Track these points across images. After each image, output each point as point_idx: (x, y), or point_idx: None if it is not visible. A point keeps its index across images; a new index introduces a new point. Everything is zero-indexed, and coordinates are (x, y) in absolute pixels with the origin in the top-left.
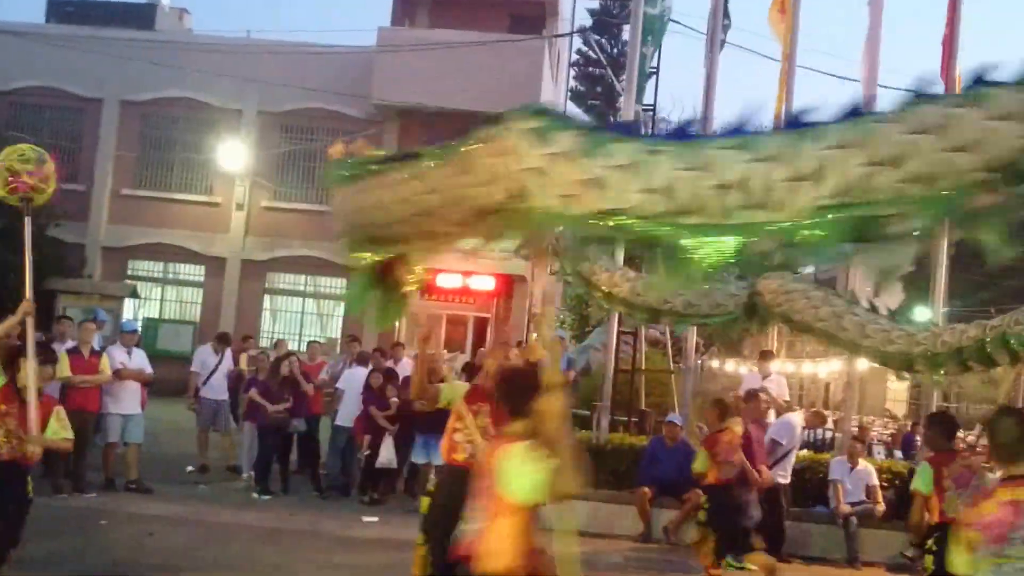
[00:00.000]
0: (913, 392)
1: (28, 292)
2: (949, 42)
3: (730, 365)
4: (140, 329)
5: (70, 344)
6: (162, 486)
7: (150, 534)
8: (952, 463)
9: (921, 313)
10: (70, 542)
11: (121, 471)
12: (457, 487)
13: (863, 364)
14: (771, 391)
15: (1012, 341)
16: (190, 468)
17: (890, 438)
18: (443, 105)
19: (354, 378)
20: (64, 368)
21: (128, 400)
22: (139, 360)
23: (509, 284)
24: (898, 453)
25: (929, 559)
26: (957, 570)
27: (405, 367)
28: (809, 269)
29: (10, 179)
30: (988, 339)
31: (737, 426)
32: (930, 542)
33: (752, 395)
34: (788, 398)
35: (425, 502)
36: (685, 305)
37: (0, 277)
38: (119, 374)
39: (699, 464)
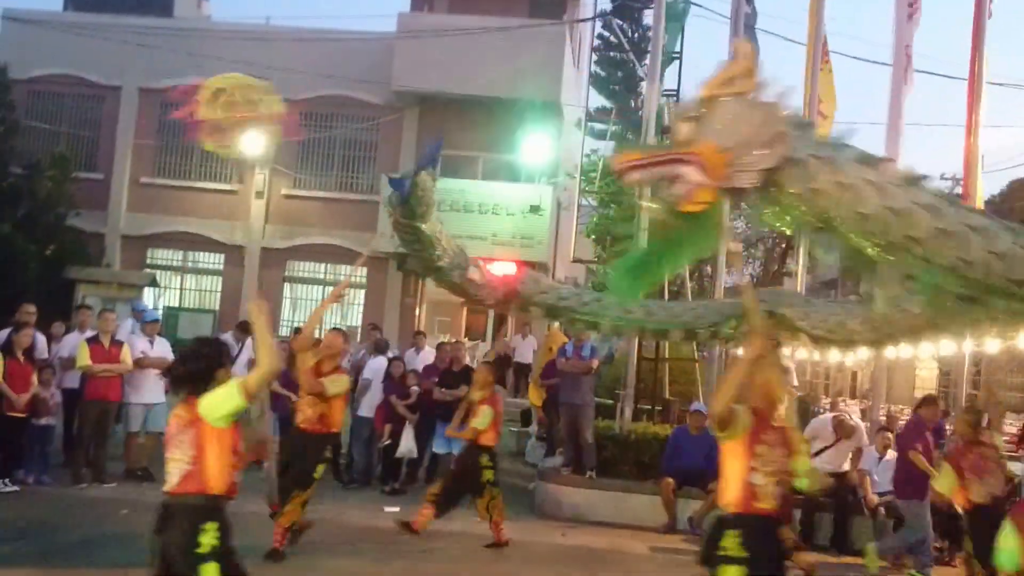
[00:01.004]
0: (942, 380)
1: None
2: (978, 26)
3: None
4: (160, 318)
5: (90, 333)
6: None
7: None
8: (969, 453)
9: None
10: (92, 532)
11: (137, 459)
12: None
13: (891, 352)
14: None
15: None
16: None
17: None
18: (463, 91)
19: (379, 368)
20: (84, 357)
21: (150, 389)
22: (161, 349)
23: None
24: None
25: (969, 542)
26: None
27: (427, 356)
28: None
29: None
30: None
31: None
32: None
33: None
34: (796, 383)
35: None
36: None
37: (21, 266)
38: (140, 363)
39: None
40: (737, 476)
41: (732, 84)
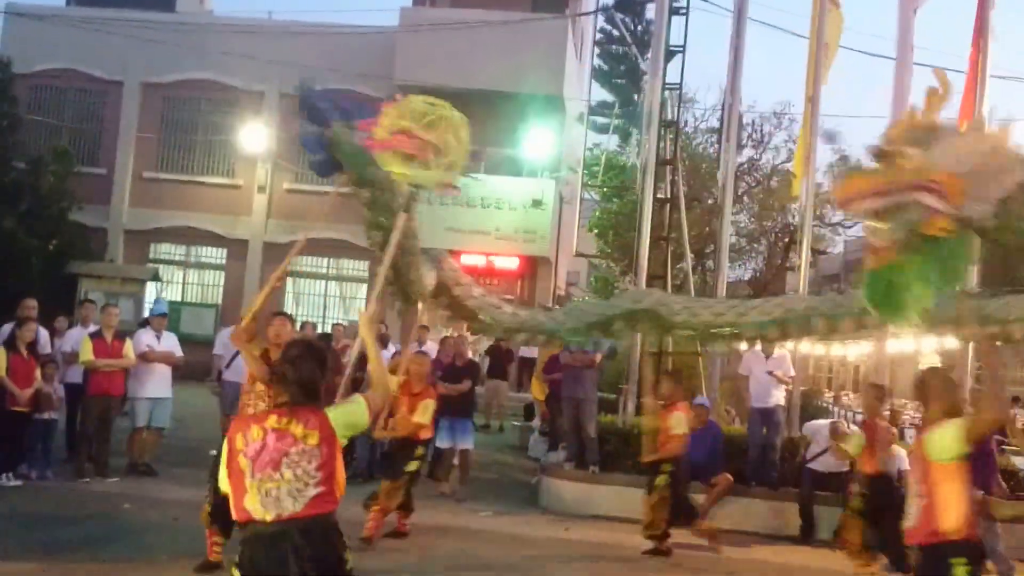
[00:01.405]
0: None
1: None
2: (981, 21)
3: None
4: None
5: (93, 328)
6: (185, 471)
7: (175, 519)
8: (877, 426)
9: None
10: (96, 527)
11: (140, 454)
12: None
13: (893, 346)
14: (776, 371)
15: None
16: (214, 452)
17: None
18: (465, 85)
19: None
20: (87, 352)
21: (155, 384)
22: (168, 344)
23: (533, 265)
24: None
25: (859, 501)
26: None
27: (430, 350)
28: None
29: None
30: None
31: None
32: (860, 489)
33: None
34: (792, 374)
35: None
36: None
37: (24, 261)
38: (145, 357)
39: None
40: (960, 498)
41: (940, 110)
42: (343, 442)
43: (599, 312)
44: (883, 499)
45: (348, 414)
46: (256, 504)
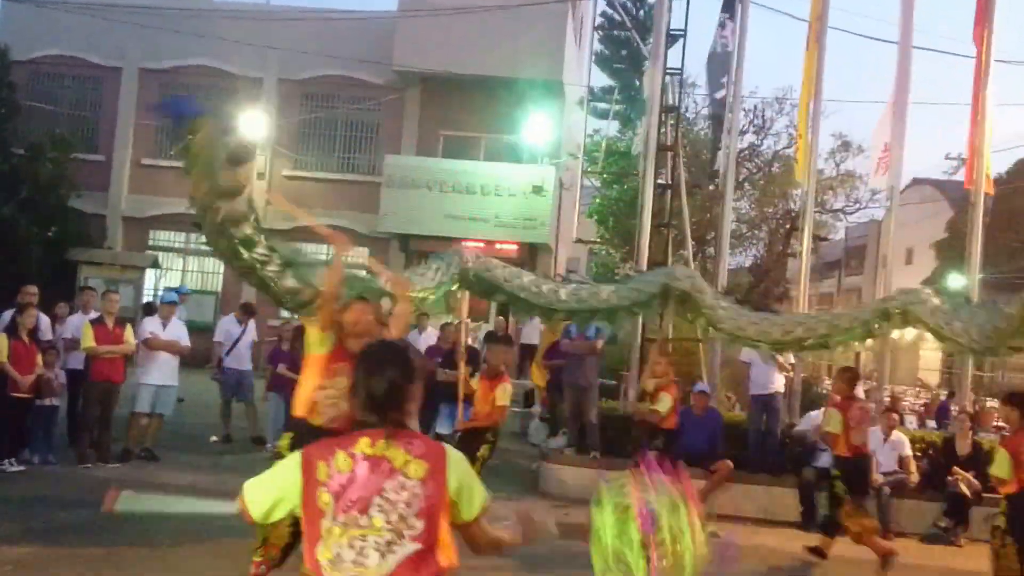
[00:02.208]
0: (946, 362)
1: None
2: (984, 4)
3: None
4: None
5: (94, 315)
6: (186, 456)
7: None
8: (851, 407)
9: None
10: (98, 512)
11: (139, 440)
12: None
13: (894, 334)
14: (777, 356)
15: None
16: (214, 438)
17: (923, 408)
18: (465, 71)
19: None
20: (88, 339)
21: (159, 371)
22: (175, 331)
23: (533, 252)
24: (931, 423)
25: (839, 484)
26: None
27: (430, 337)
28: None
29: None
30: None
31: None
32: (836, 471)
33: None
34: (793, 361)
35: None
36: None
37: (24, 248)
38: (148, 343)
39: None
40: None
41: None
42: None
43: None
44: (857, 476)
45: (471, 476)
46: (328, 556)
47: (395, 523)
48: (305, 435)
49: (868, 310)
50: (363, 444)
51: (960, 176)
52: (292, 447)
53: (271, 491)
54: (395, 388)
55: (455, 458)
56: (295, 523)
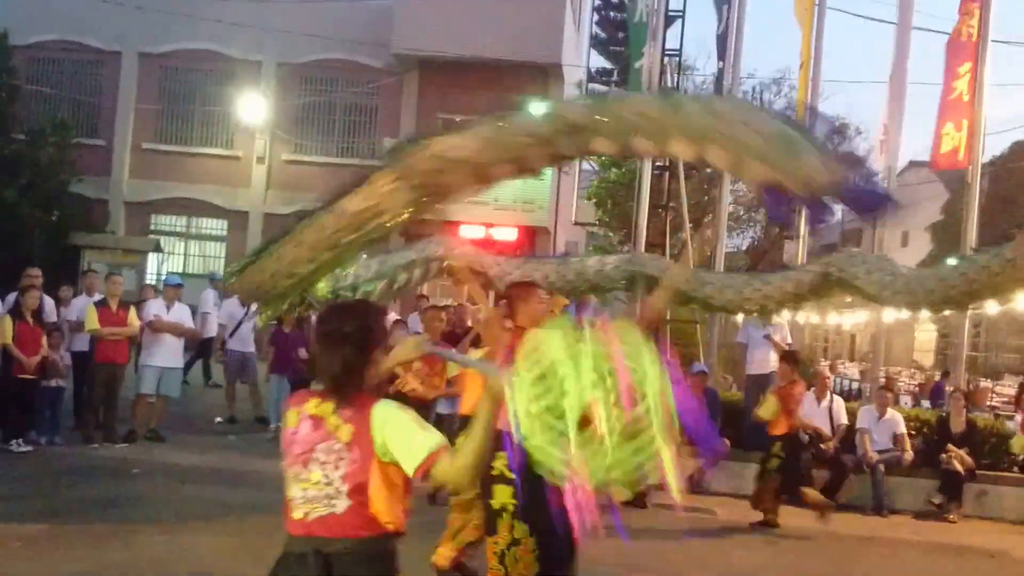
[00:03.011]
0: (941, 343)
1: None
2: None
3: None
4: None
5: (98, 297)
6: (191, 437)
7: (183, 483)
8: (792, 390)
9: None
10: (105, 491)
11: (144, 421)
12: None
13: (889, 316)
14: (774, 336)
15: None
16: (219, 419)
17: (917, 388)
18: (463, 54)
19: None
20: (92, 321)
21: (165, 353)
22: (179, 314)
23: (532, 236)
24: (925, 403)
25: (775, 461)
26: None
27: None
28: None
29: None
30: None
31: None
32: (777, 447)
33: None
34: (791, 342)
35: None
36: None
37: (27, 232)
38: (152, 326)
39: (767, 412)
40: None
41: None
42: (386, 461)
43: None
44: (794, 455)
45: (400, 436)
46: (292, 495)
47: (328, 480)
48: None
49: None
50: (312, 403)
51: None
52: None
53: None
54: (341, 356)
55: (381, 417)
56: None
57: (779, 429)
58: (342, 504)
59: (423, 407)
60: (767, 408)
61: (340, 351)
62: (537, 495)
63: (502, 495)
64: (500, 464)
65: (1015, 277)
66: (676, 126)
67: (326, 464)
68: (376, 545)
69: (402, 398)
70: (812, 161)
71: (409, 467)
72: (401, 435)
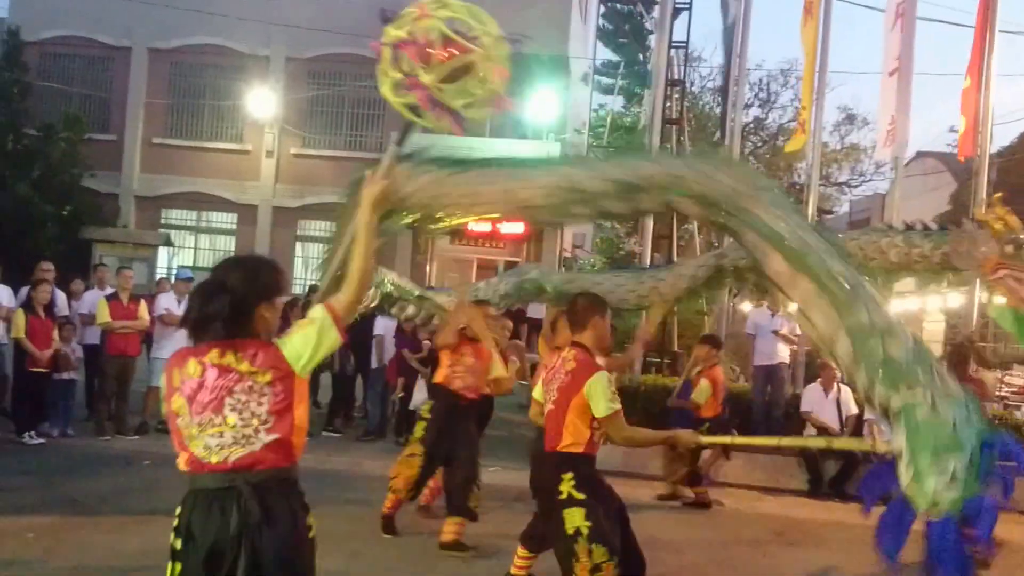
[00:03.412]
0: (949, 333)
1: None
2: None
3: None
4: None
5: (109, 291)
6: None
7: None
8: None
9: None
10: (117, 482)
11: (155, 413)
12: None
13: (897, 306)
14: (782, 330)
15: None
16: None
17: None
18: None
19: (392, 323)
20: (104, 314)
21: (176, 346)
22: None
23: (540, 229)
24: None
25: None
26: None
27: None
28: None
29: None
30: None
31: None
32: (705, 429)
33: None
34: (799, 333)
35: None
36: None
37: (39, 226)
38: (163, 319)
39: (702, 396)
40: None
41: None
42: (305, 376)
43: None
44: (722, 433)
45: (306, 339)
46: (199, 449)
47: (248, 419)
48: (440, 397)
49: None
50: (213, 354)
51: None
52: (430, 409)
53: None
54: (237, 306)
55: (289, 350)
56: (424, 462)
57: (708, 412)
58: (260, 441)
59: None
60: (702, 392)
61: (221, 300)
62: (609, 513)
63: (573, 519)
64: (567, 487)
65: (944, 266)
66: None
67: (247, 403)
68: (292, 473)
69: (449, 394)
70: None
71: (314, 362)
72: (303, 330)
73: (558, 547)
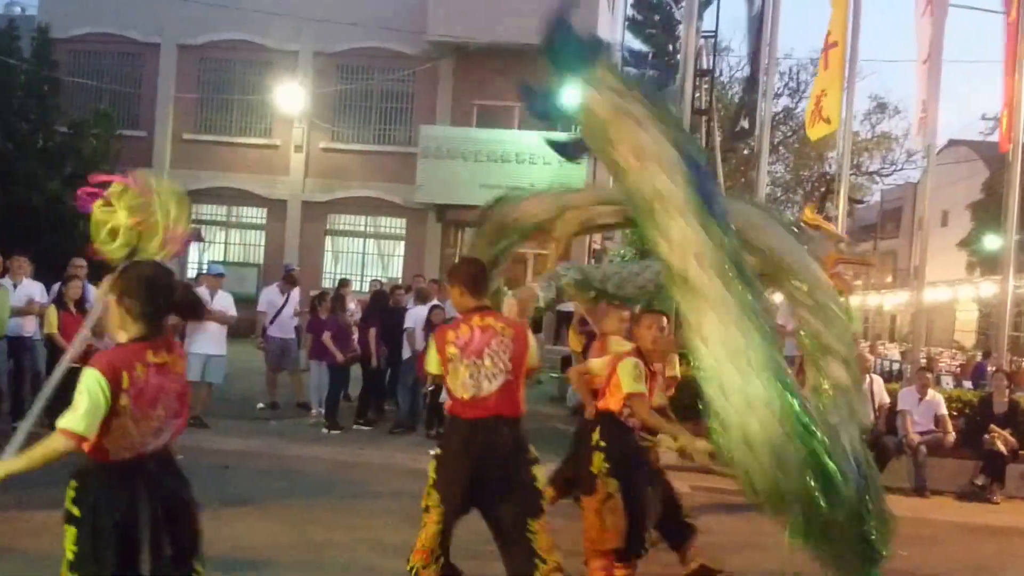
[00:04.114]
0: (982, 323)
1: None
2: None
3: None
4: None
5: None
6: (234, 423)
7: (226, 467)
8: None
9: (991, 241)
10: None
11: (191, 407)
12: None
13: (930, 296)
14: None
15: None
16: (260, 405)
17: (959, 369)
18: (498, 40)
19: (421, 316)
20: None
21: (208, 341)
22: (222, 302)
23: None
24: (967, 384)
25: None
26: None
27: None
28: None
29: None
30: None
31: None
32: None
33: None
34: (792, 323)
35: None
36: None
37: (71, 223)
38: None
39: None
40: None
41: None
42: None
43: None
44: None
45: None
46: (136, 437)
47: (169, 410)
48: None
49: None
50: (149, 355)
51: (996, 137)
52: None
53: (95, 412)
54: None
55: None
56: (441, 521)
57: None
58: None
59: None
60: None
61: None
62: (626, 459)
63: (598, 461)
64: (596, 436)
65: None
66: None
67: (169, 401)
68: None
69: None
70: None
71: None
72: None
73: (584, 485)
